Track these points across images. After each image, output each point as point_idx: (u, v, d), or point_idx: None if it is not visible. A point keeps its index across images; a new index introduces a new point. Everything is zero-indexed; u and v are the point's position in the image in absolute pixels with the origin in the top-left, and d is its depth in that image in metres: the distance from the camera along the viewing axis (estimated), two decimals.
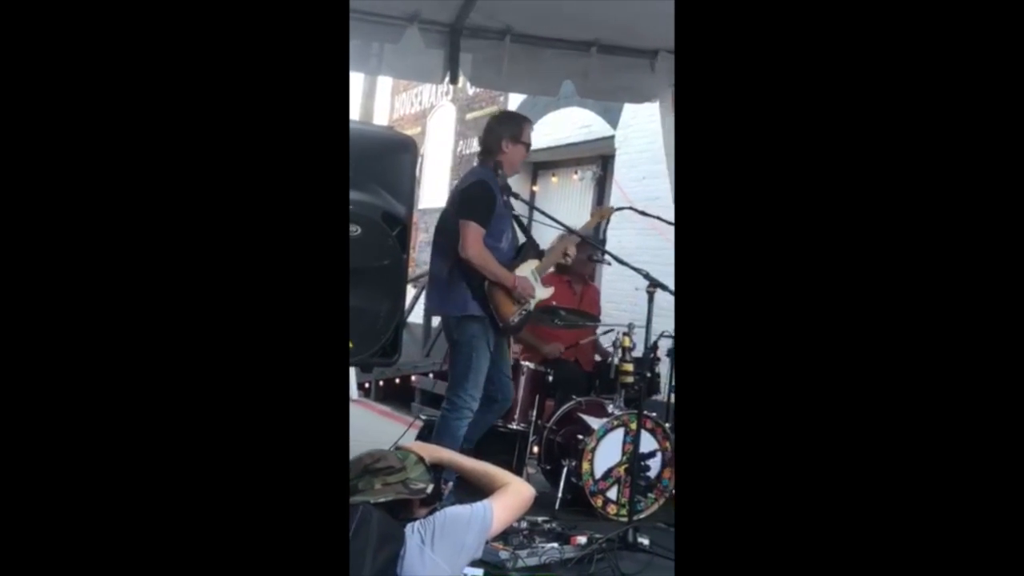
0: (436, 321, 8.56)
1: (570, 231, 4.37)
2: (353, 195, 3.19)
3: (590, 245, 4.69)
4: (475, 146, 10.52)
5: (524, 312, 4.10)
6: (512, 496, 2.44)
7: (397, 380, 8.21)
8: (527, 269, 4.13)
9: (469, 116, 10.67)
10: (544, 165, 9.58)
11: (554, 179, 9.38)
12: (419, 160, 3.60)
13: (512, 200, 4.12)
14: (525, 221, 4.97)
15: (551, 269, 4.50)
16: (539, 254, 4.24)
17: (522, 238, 4.29)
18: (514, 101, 9.55)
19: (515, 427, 4.54)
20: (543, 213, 4.18)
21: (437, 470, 2.45)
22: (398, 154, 3.55)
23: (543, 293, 4.24)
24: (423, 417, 5.22)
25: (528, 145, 4.18)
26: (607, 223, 5.00)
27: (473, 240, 3.90)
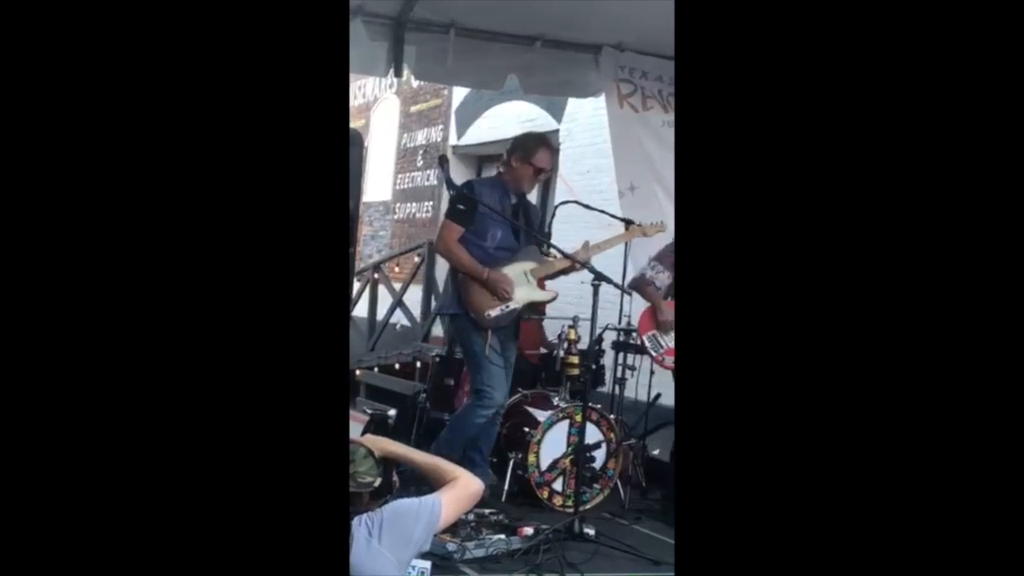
0: (381, 315, 8.54)
1: (515, 224, 4.39)
2: None
3: (539, 240, 4.70)
4: (419, 139, 10.55)
5: (506, 309, 4.13)
6: (461, 490, 2.46)
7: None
8: (519, 269, 4.19)
9: (413, 109, 10.63)
10: (489, 159, 9.59)
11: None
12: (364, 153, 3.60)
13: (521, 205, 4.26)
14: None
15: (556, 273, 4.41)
16: (537, 257, 4.28)
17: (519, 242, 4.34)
18: (458, 95, 9.54)
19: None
20: (487, 206, 4.20)
21: (388, 464, 2.46)
22: None
23: (538, 294, 4.27)
24: (368, 411, 5.21)
25: (537, 169, 4.25)
26: (553, 217, 5.03)
27: (445, 236, 4.15)
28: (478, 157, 9.72)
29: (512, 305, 4.14)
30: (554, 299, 4.36)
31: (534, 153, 4.22)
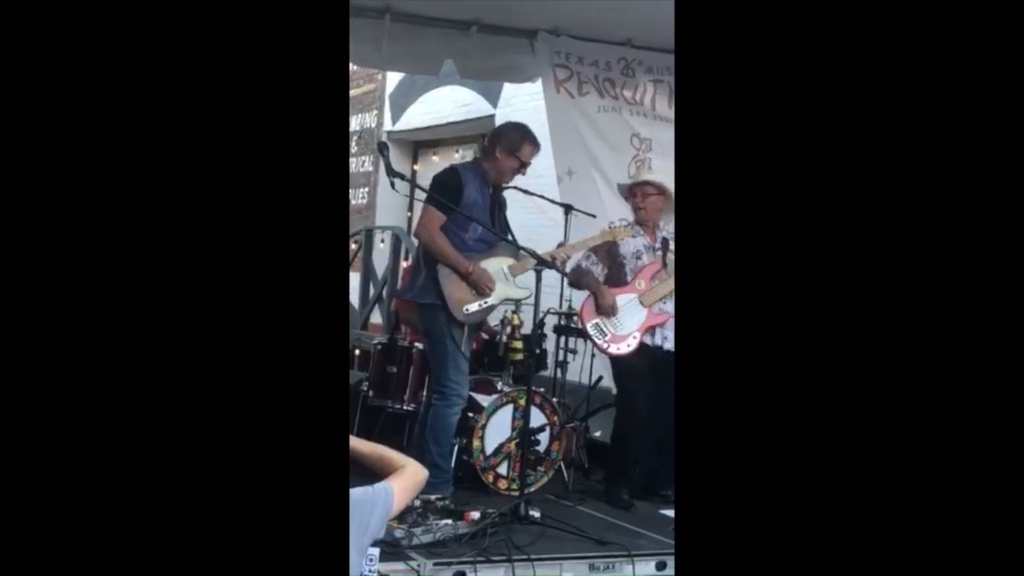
0: None
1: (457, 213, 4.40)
2: None
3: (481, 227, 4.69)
4: (353, 125, 10.42)
5: (484, 305, 4.03)
6: (409, 477, 2.49)
7: None
8: (497, 264, 4.09)
9: None
10: (424, 144, 9.55)
11: (435, 158, 9.36)
12: None
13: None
14: (407, 200, 4.93)
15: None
16: (515, 253, 4.15)
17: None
18: (392, 79, 9.46)
19: (405, 408, 4.56)
20: (422, 188, 4.21)
21: None
22: None
23: (515, 291, 4.18)
24: None
25: (523, 163, 4.13)
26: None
27: (426, 222, 3.97)
28: (413, 143, 9.66)
29: (490, 301, 4.05)
30: (529, 297, 4.23)
31: (521, 146, 4.10)
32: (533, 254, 3.92)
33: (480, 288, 4.00)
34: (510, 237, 4.18)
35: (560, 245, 4.27)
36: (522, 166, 4.14)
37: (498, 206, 4.21)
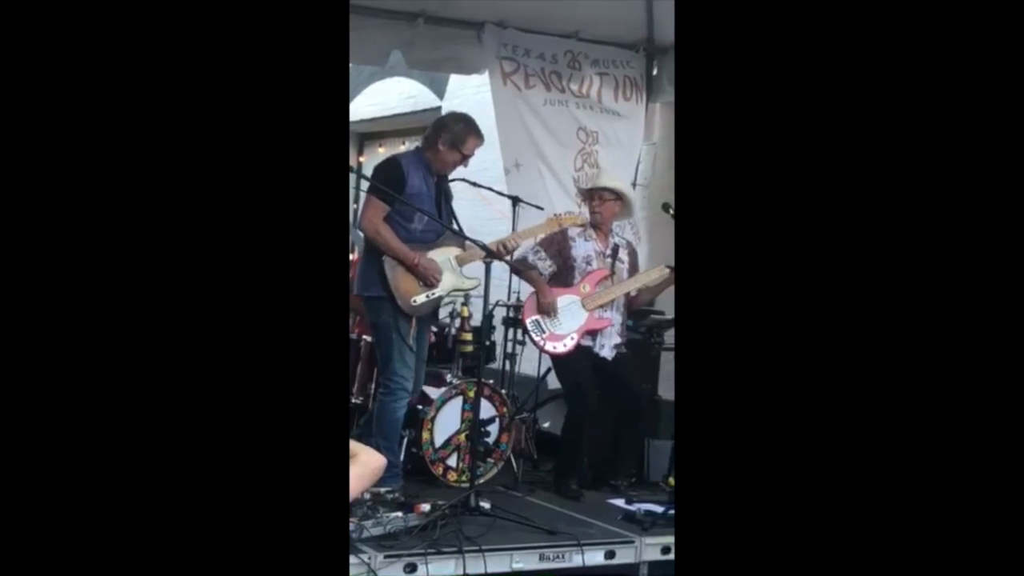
0: None
1: (410, 206, 4.39)
2: None
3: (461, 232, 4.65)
4: None
5: (432, 296, 3.98)
6: (362, 467, 2.47)
7: None
8: (444, 255, 4.03)
9: None
10: (370, 136, 9.48)
11: (381, 149, 9.29)
12: None
13: (447, 187, 4.10)
14: (353, 192, 4.88)
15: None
16: (461, 243, 4.10)
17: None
18: None
19: (354, 400, 4.53)
20: (367, 179, 4.16)
21: None
22: None
23: (463, 282, 4.11)
24: None
25: (465, 156, 4.07)
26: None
27: (371, 214, 3.90)
28: (360, 135, 9.58)
29: (438, 292, 4.01)
30: (476, 287, 4.16)
31: (465, 140, 4.03)
32: (481, 245, 3.90)
33: (427, 279, 3.95)
34: (456, 227, 4.14)
35: (511, 235, 4.26)
36: (464, 159, 4.09)
37: (444, 196, 4.15)
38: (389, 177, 3.95)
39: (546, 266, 4.39)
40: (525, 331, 4.42)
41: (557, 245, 4.42)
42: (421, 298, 3.96)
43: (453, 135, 4.02)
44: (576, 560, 3.48)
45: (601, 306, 4.34)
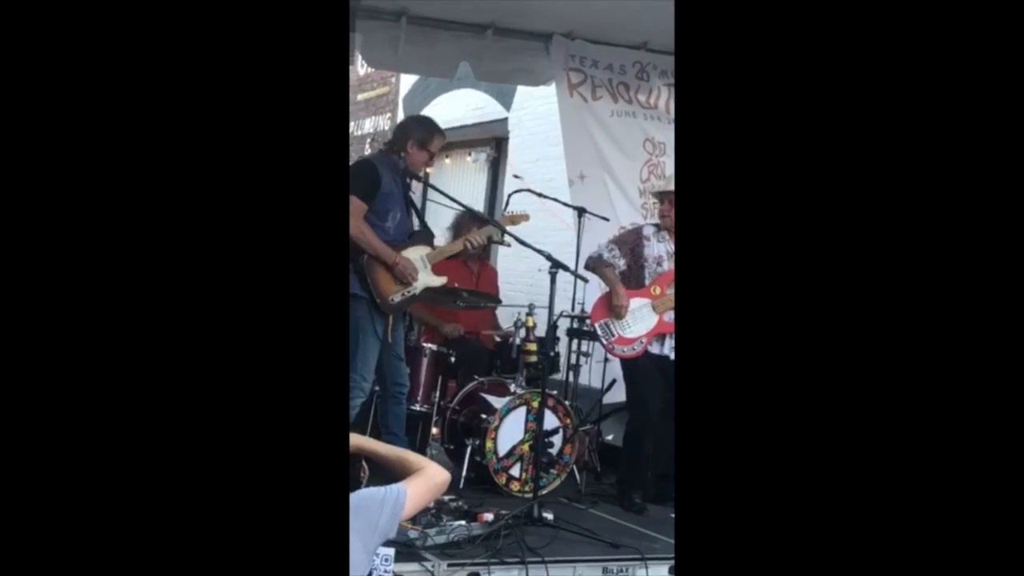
0: None
1: (470, 211, 4.48)
2: None
3: (492, 226, 4.73)
4: (367, 127, 10.45)
5: (407, 294, 4.12)
6: (426, 480, 2.49)
7: None
8: (416, 253, 4.17)
9: (360, 97, 10.54)
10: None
11: (447, 160, 9.37)
12: None
13: (412, 184, 4.22)
14: (419, 202, 5.02)
15: (446, 257, 4.52)
16: (430, 242, 4.29)
17: (417, 226, 4.37)
18: (406, 82, 9.48)
19: (418, 408, 4.56)
20: (440, 191, 4.26)
21: (354, 457, 2.47)
22: None
23: (432, 280, 4.25)
24: None
25: (432, 155, 4.27)
26: (507, 204, 5.05)
27: (352, 213, 3.97)
28: None
29: (412, 291, 4.13)
30: (443, 285, 4.37)
31: (430, 140, 4.22)
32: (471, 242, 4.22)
33: (404, 277, 4.08)
34: (425, 226, 4.35)
35: (501, 234, 4.41)
36: (431, 157, 4.29)
37: (408, 197, 4.31)
38: (365, 177, 4.05)
39: (619, 264, 4.37)
40: (592, 334, 4.41)
41: (630, 244, 4.40)
42: (398, 297, 4.09)
43: (420, 136, 4.21)
44: (639, 574, 3.45)
45: (672, 308, 4.29)
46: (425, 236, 4.27)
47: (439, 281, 4.30)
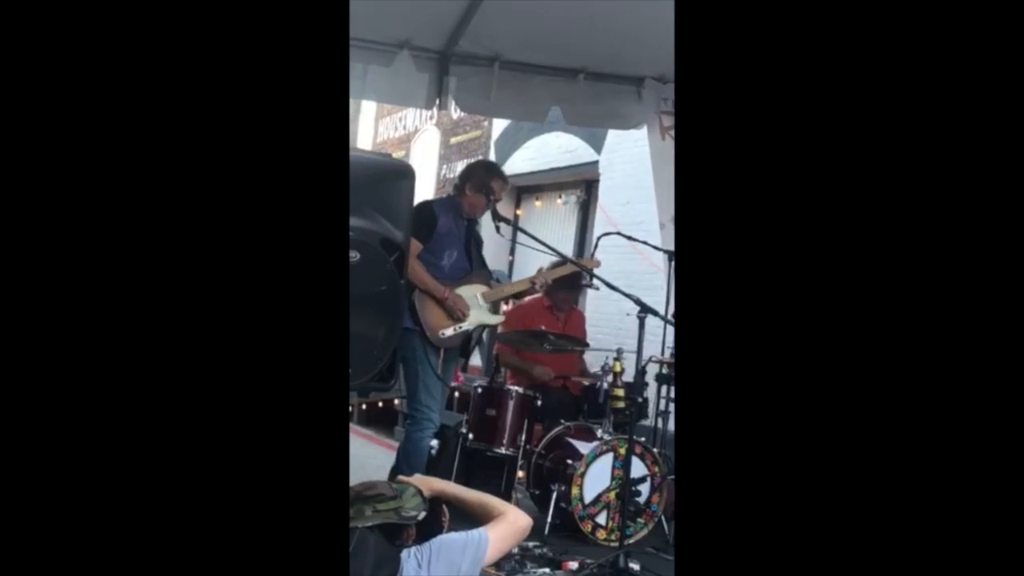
0: None
1: (559, 255, 4.51)
2: (352, 221, 3.20)
3: (580, 270, 4.73)
4: (459, 170, 10.60)
5: (459, 329, 4.28)
6: (508, 525, 2.47)
7: (380, 403, 8.18)
8: (471, 291, 4.37)
9: (453, 140, 10.71)
10: (528, 189, 9.63)
11: (538, 203, 9.42)
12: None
13: (501, 227, 4.36)
14: (508, 244, 5.14)
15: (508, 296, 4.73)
16: (487, 280, 4.50)
17: (473, 266, 4.54)
18: (498, 126, 9.60)
19: (503, 452, 4.54)
20: (529, 235, 4.30)
21: (436, 501, 2.47)
22: (396, 180, 3.58)
23: (489, 318, 4.46)
24: None
25: (491, 200, 4.42)
26: (596, 247, 5.04)
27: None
28: (517, 188, 9.75)
29: (465, 326, 4.29)
30: (501, 323, 4.55)
31: (489, 184, 4.40)
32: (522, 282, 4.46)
33: (455, 313, 4.24)
34: (485, 266, 4.53)
35: (539, 271, 4.59)
36: (490, 202, 4.39)
37: (473, 239, 4.53)
38: (421, 218, 4.24)
39: None
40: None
41: None
42: (449, 331, 4.27)
43: (479, 179, 4.43)
44: None
45: None
46: (483, 275, 4.48)
47: (497, 319, 4.53)
